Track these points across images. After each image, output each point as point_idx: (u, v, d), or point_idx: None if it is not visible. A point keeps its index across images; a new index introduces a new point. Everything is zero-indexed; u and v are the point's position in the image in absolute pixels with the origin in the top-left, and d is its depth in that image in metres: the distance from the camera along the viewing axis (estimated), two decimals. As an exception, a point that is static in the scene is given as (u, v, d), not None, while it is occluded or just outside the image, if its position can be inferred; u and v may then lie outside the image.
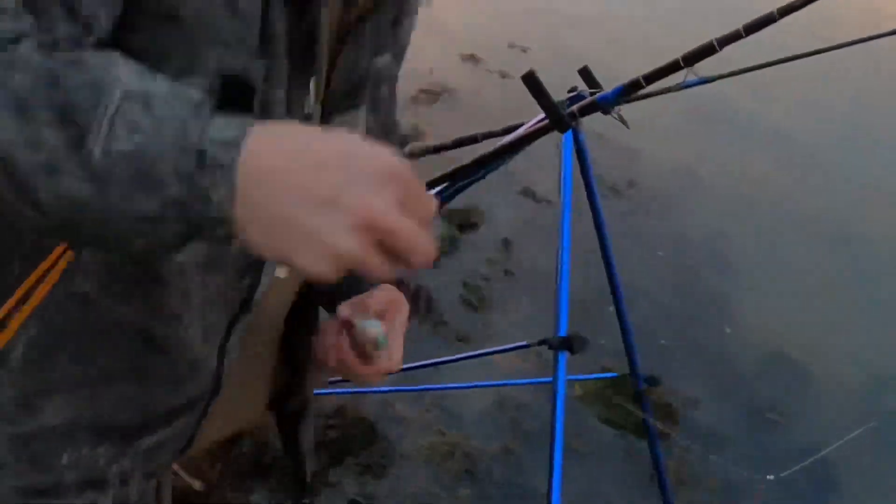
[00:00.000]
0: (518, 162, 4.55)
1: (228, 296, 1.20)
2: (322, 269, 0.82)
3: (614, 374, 2.94)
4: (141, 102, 0.81)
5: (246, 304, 1.23)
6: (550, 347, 2.26)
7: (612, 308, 2.83)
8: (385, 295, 1.35)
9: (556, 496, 2.26)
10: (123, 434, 1.22)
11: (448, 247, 4.59)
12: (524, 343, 2.80)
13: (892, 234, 5.84)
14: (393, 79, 1.34)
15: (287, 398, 1.57)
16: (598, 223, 2.57)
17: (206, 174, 0.80)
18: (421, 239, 0.84)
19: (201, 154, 0.80)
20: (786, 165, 6.57)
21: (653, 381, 2.84)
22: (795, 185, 6.28)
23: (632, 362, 2.76)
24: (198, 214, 0.82)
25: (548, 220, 4.72)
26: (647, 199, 5.54)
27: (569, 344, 2.24)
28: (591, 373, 3.90)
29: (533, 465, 3.53)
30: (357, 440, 3.40)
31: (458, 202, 4.85)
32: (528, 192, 5.17)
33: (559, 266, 2.23)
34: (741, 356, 4.56)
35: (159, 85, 0.84)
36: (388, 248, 0.83)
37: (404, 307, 1.36)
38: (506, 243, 4.67)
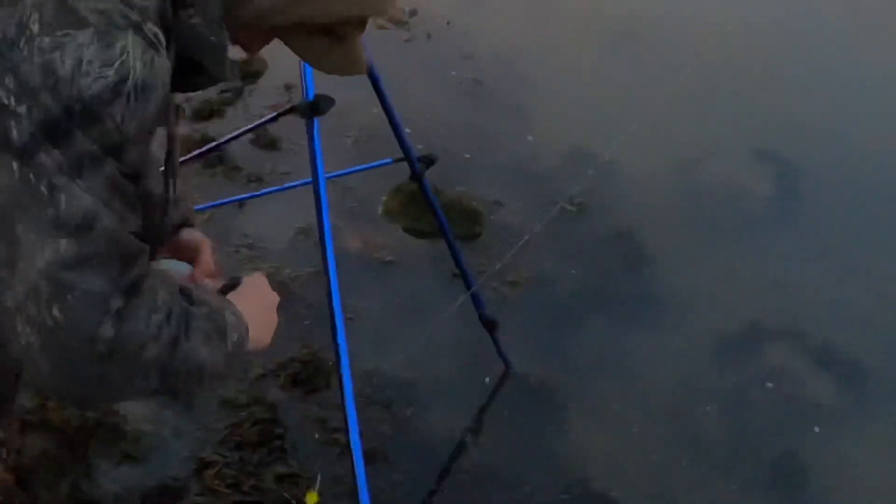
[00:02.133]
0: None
1: None
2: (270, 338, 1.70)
3: (388, 161, 3.01)
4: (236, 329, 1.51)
5: None
6: (302, 116, 2.34)
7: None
8: (191, 237, 1.83)
9: (332, 273, 2.33)
10: None
11: (234, 97, 4.63)
12: (272, 115, 2.84)
13: (677, 29, 5.98)
14: None
15: None
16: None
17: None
18: None
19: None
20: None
21: (429, 161, 2.93)
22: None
23: (402, 144, 2.83)
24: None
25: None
26: (430, 24, 5.62)
27: (316, 107, 2.31)
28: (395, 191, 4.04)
29: (346, 281, 3.63)
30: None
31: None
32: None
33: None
34: (543, 159, 4.73)
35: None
36: None
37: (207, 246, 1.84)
38: (288, 88, 4.73)
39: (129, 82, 1.22)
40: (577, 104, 5.17)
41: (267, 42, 1.55)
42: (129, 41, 1.22)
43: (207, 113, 4.49)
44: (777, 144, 5.11)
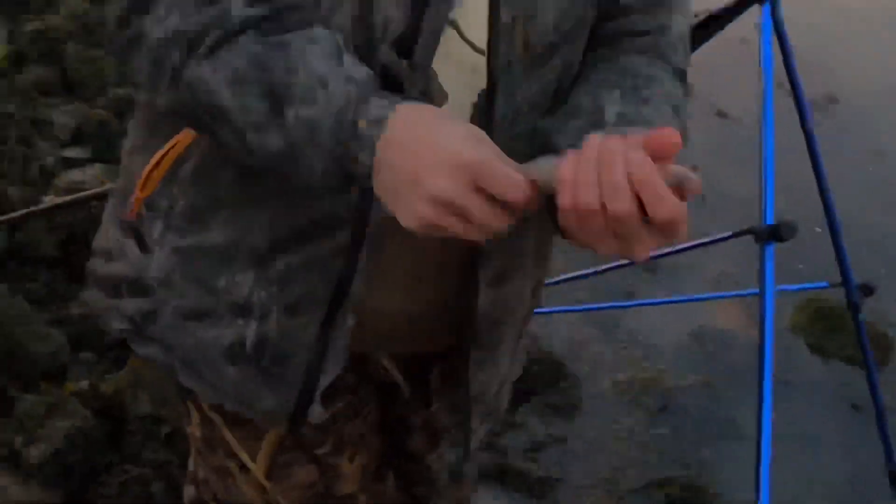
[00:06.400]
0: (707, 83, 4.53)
1: None
2: (410, 224, 1.16)
3: (824, 284, 2.86)
4: (320, 83, 1.17)
5: None
6: (757, 240, 2.20)
7: (818, 229, 2.73)
8: None
9: (766, 410, 2.19)
10: (259, 259, 1.38)
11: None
12: (727, 234, 2.72)
13: None
14: None
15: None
16: (801, 106, 2.47)
17: (356, 144, 1.17)
18: (479, 211, 1.12)
19: (355, 127, 1.16)
20: None
21: (867, 290, 2.75)
22: None
23: (843, 269, 2.68)
24: (348, 171, 1.19)
25: (738, 140, 4.66)
26: (847, 115, 5.38)
27: (777, 232, 2.17)
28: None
29: (733, 397, 3.48)
30: (544, 378, 3.39)
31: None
32: (720, 113, 5.20)
33: (763, 145, 2.15)
34: None
35: (338, 66, 1.19)
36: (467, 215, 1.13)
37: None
38: (694, 168, 4.59)
39: None
40: None
41: None
42: None
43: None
44: None
